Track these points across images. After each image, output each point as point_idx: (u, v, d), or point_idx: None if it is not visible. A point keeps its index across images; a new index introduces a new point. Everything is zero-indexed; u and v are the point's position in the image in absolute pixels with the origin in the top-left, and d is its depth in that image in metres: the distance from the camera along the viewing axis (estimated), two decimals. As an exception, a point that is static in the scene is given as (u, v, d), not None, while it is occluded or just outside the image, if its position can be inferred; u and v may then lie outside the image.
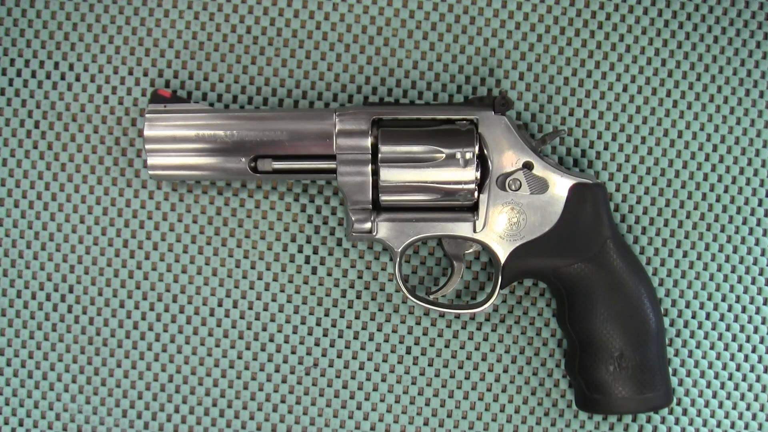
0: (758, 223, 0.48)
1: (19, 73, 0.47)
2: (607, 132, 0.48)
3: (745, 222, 0.48)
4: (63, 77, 0.47)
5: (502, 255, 0.44)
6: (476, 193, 0.43)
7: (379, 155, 0.42)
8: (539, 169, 0.44)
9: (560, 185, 0.44)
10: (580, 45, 0.47)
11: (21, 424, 0.48)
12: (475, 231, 0.44)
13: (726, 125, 0.48)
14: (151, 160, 0.43)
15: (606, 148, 0.47)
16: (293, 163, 0.43)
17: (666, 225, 0.48)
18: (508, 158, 0.44)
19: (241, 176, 0.43)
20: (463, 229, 0.44)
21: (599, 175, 0.47)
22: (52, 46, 0.47)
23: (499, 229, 0.44)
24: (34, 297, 0.47)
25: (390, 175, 0.42)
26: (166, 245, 0.47)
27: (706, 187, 0.48)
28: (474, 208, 0.44)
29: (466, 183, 0.43)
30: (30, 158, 0.47)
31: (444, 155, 0.42)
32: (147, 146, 0.43)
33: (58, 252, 0.47)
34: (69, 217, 0.47)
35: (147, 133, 0.43)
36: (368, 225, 0.43)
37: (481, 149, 0.43)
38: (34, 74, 0.47)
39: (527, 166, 0.44)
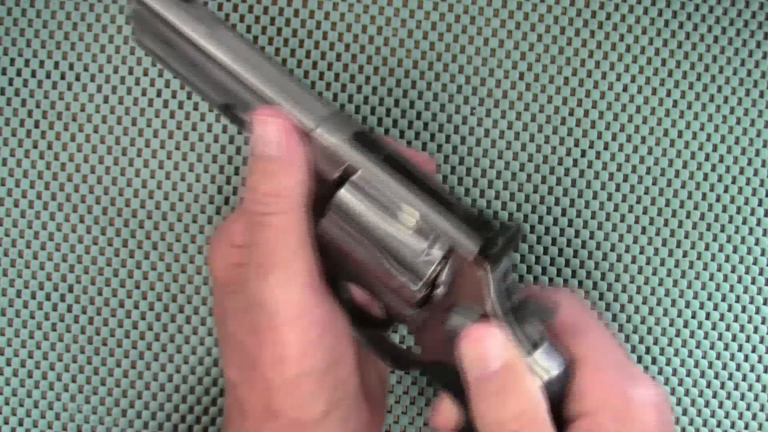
0: (758, 223, 0.48)
1: (18, 73, 0.47)
2: (607, 132, 0.48)
3: (745, 222, 0.48)
4: (63, 77, 0.47)
5: None
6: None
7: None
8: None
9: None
10: (580, 44, 0.47)
11: (21, 424, 0.48)
12: None
13: (726, 125, 0.48)
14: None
15: (606, 148, 0.47)
16: None
17: (666, 225, 0.48)
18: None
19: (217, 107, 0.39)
20: None
21: (599, 175, 0.47)
22: (52, 45, 0.47)
23: None
24: (33, 297, 0.47)
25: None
26: (166, 245, 0.47)
27: (706, 187, 0.48)
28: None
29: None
30: (30, 158, 0.47)
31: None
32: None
33: (58, 252, 0.47)
34: (68, 217, 0.47)
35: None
36: None
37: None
38: (33, 74, 0.47)
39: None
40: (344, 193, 0.37)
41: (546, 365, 0.36)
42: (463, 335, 0.35)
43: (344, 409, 0.38)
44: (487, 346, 0.35)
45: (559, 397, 0.36)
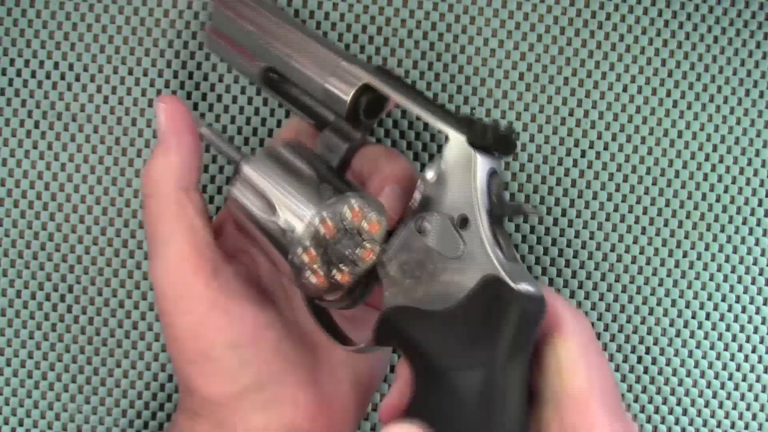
0: (758, 223, 0.48)
1: (18, 73, 0.47)
2: (607, 132, 0.47)
3: (745, 222, 0.48)
4: (63, 77, 0.47)
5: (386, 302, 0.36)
6: None
7: None
8: (472, 235, 0.35)
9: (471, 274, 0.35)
10: (580, 45, 0.47)
11: (21, 424, 0.48)
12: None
13: (726, 125, 0.48)
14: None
15: (606, 148, 0.47)
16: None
17: (666, 225, 0.48)
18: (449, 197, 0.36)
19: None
20: None
21: (599, 175, 0.47)
22: (51, 45, 0.47)
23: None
24: (33, 297, 0.47)
25: None
26: (166, 245, 0.47)
27: (706, 187, 0.48)
28: None
29: None
30: (30, 158, 0.47)
31: None
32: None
33: (58, 252, 0.47)
34: (69, 217, 0.47)
35: None
36: None
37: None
38: (33, 74, 0.47)
39: (462, 222, 0.35)
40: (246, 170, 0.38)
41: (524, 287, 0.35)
42: None
43: (268, 394, 0.38)
44: None
45: (535, 319, 0.35)
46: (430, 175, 0.36)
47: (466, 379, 0.34)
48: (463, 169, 0.35)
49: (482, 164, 0.36)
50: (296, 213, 0.36)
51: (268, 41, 0.40)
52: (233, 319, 0.37)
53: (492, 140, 0.35)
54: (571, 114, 0.48)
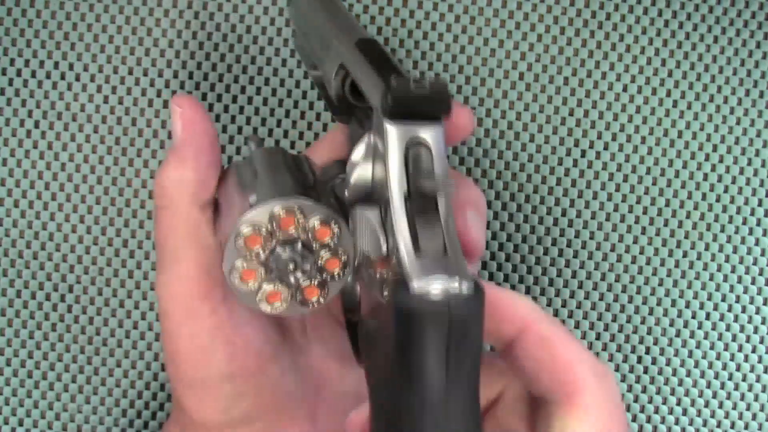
0: (758, 223, 0.48)
1: (18, 73, 0.47)
2: (607, 132, 0.47)
3: (745, 222, 0.48)
4: (63, 77, 0.47)
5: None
6: None
7: None
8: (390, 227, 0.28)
9: None
10: (580, 45, 0.47)
11: (21, 424, 0.48)
12: None
13: (726, 125, 0.48)
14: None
15: (606, 148, 0.47)
16: None
17: (666, 225, 0.48)
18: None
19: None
20: None
21: (599, 175, 0.47)
22: (51, 45, 0.47)
23: None
24: (33, 297, 0.47)
25: None
26: (166, 245, 0.47)
27: (706, 187, 0.48)
28: None
29: None
30: (30, 158, 0.47)
31: None
32: None
33: (58, 252, 0.47)
34: (69, 217, 0.47)
35: None
36: None
37: None
38: (33, 74, 0.47)
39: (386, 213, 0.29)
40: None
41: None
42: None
43: (258, 427, 0.37)
44: None
45: (460, 325, 0.27)
46: (358, 155, 0.31)
47: (401, 401, 0.28)
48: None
49: (397, 136, 0.28)
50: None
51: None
52: (236, 350, 0.35)
53: (404, 105, 0.28)
54: (571, 114, 0.47)
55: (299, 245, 0.32)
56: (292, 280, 0.33)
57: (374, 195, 0.30)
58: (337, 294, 0.34)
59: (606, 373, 0.30)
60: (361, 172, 0.30)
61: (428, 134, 0.28)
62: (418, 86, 0.27)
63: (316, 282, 0.33)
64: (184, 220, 0.35)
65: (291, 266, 0.32)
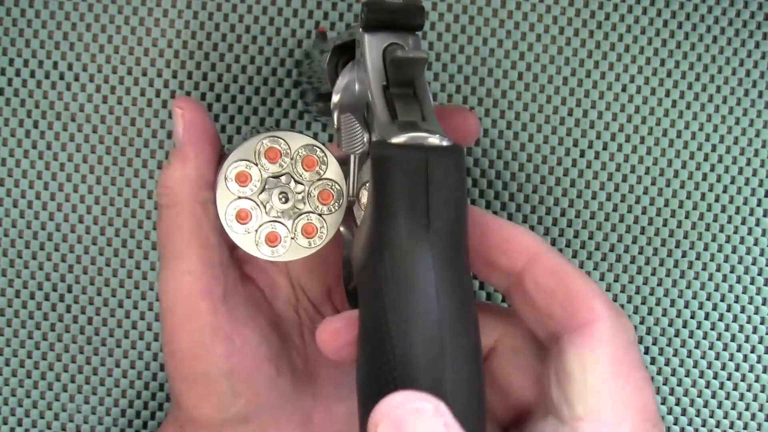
0: (757, 223, 0.48)
1: (17, 73, 0.47)
2: (606, 132, 0.47)
3: (743, 222, 0.48)
4: (62, 77, 0.47)
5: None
6: None
7: None
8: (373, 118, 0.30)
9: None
10: (579, 45, 0.47)
11: (20, 424, 0.48)
12: None
13: (725, 125, 0.48)
14: None
15: (605, 148, 0.47)
16: None
17: (665, 225, 0.48)
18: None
19: None
20: None
21: (597, 175, 0.47)
22: (50, 45, 0.47)
23: None
24: (32, 297, 0.47)
25: None
26: (165, 245, 0.47)
27: (705, 187, 0.48)
28: None
29: None
30: (29, 158, 0.47)
31: None
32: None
33: (57, 252, 0.47)
34: (67, 217, 0.47)
35: None
36: None
37: None
38: (32, 74, 0.47)
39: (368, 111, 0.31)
40: None
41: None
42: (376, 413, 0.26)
43: (254, 427, 0.37)
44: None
45: (440, 173, 0.27)
46: (343, 82, 0.32)
47: (376, 271, 0.27)
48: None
49: (376, 42, 0.31)
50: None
51: None
52: (234, 348, 0.36)
53: (379, 14, 0.30)
54: (569, 114, 0.47)
55: (291, 182, 0.33)
56: (288, 218, 0.33)
57: (356, 106, 0.31)
58: (336, 233, 0.33)
59: (620, 310, 0.30)
60: (345, 83, 0.32)
61: (404, 42, 0.31)
62: (401, 4, 0.30)
63: (313, 217, 0.33)
64: (188, 218, 0.36)
65: (283, 200, 0.33)
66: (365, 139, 0.31)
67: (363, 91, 0.31)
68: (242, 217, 0.33)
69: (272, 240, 0.33)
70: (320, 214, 0.33)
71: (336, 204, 0.33)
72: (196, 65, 0.47)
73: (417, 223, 0.27)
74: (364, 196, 0.33)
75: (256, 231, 0.34)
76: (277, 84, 0.47)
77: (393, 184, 0.27)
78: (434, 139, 0.27)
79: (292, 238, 0.34)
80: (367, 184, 0.32)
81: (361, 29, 0.31)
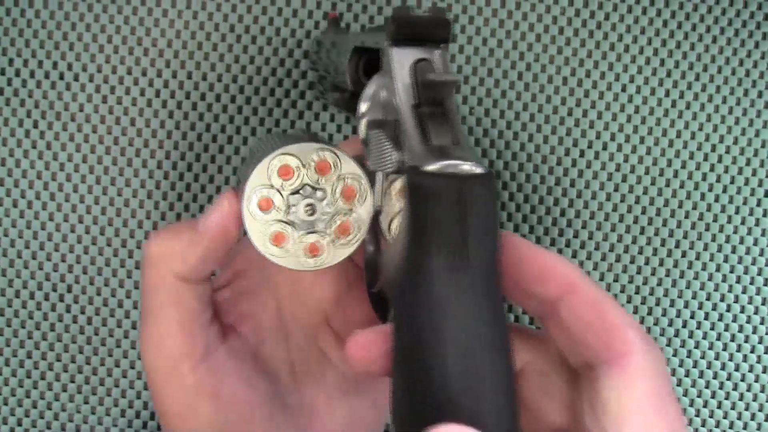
0: (756, 223, 0.48)
1: (17, 73, 0.47)
2: (606, 132, 0.48)
3: (743, 222, 0.48)
4: (61, 77, 0.47)
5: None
6: None
7: None
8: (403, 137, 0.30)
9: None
10: (579, 45, 0.47)
11: (20, 424, 0.48)
12: None
13: (724, 125, 0.48)
14: None
15: (605, 148, 0.47)
16: None
17: (665, 225, 0.48)
18: None
19: None
20: None
21: (597, 175, 0.47)
22: (50, 45, 0.47)
23: None
24: (32, 297, 0.47)
25: None
26: (165, 245, 0.47)
27: (705, 187, 0.48)
28: None
29: None
30: (28, 158, 0.47)
31: None
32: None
33: (57, 252, 0.47)
34: (67, 217, 0.47)
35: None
36: None
37: None
38: (32, 74, 0.47)
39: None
40: None
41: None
42: None
43: None
44: None
45: (474, 200, 0.27)
46: (370, 91, 0.32)
47: (414, 297, 0.27)
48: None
49: (403, 57, 0.30)
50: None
51: None
52: (221, 404, 0.35)
53: (406, 28, 0.30)
54: (569, 114, 0.48)
55: (313, 191, 0.33)
56: (321, 226, 0.33)
57: (386, 121, 0.31)
58: (371, 221, 0.33)
59: (654, 342, 0.30)
60: (372, 92, 0.32)
61: (431, 56, 0.30)
62: (419, 11, 0.30)
63: (343, 217, 0.33)
64: (167, 281, 0.35)
65: (310, 212, 0.33)
66: (395, 158, 0.30)
67: (390, 103, 0.31)
68: (279, 240, 0.33)
69: (314, 251, 0.33)
70: (349, 211, 0.33)
71: (361, 198, 0.33)
72: (196, 65, 0.47)
73: (455, 254, 0.27)
74: (394, 223, 0.32)
75: (296, 249, 0.33)
76: (276, 84, 0.47)
77: (430, 214, 0.27)
78: (468, 167, 0.27)
79: (332, 242, 0.34)
80: (397, 206, 0.32)
81: (387, 43, 0.30)
